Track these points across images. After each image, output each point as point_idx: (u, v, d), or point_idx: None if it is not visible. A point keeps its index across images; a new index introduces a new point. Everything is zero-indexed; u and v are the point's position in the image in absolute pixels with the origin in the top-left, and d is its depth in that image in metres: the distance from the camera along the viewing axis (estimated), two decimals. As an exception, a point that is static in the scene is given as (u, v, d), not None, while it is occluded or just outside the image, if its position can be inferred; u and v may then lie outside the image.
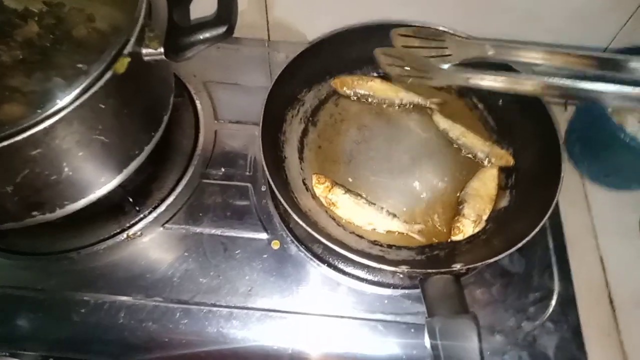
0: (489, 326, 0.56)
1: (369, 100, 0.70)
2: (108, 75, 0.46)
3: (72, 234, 0.59)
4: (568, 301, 0.58)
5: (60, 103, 0.43)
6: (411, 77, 0.62)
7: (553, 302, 0.58)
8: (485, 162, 0.65)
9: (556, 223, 0.64)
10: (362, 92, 0.69)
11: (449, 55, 0.63)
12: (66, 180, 0.50)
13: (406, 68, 0.62)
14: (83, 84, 0.44)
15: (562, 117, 0.83)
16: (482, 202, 0.61)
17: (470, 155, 0.66)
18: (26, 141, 0.42)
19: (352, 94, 0.70)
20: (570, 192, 0.74)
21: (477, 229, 0.59)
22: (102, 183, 0.54)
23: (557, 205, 0.63)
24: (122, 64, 0.47)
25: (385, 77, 0.71)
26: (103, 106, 0.47)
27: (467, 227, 0.58)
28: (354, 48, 0.70)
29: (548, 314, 0.57)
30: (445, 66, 0.62)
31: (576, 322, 0.57)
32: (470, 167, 0.66)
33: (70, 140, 0.47)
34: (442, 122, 0.68)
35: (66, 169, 0.49)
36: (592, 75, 0.58)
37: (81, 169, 0.51)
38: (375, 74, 0.73)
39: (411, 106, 0.70)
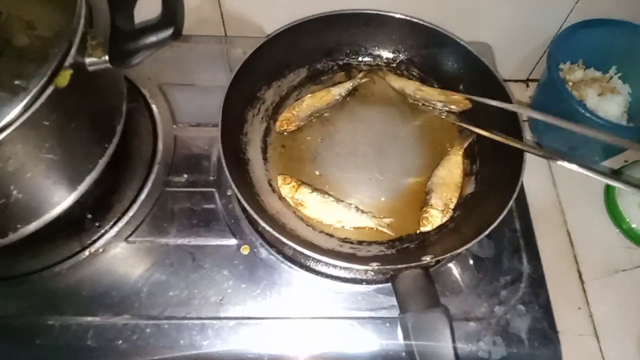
0: (463, 313, 0.57)
1: (317, 114, 0.67)
2: (49, 90, 0.43)
3: (30, 256, 0.57)
4: (537, 282, 0.59)
5: (-2, 125, 0.40)
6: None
7: (523, 284, 0.59)
8: (444, 112, 0.67)
9: (522, 204, 0.65)
10: (305, 114, 0.66)
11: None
12: (16, 203, 0.47)
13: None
14: (22, 103, 0.41)
15: (524, 95, 0.84)
16: (448, 190, 0.61)
17: (430, 107, 0.68)
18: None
19: (299, 122, 0.66)
20: (536, 169, 0.75)
21: (445, 219, 0.59)
22: (56, 202, 0.51)
23: (522, 186, 0.64)
24: (64, 77, 0.44)
25: (312, 86, 0.71)
26: (47, 123, 0.45)
27: (435, 218, 0.58)
28: (312, 40, 0.68)
29: (519, 297, 0.58)
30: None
31: (546, 302, 0.58)
32: (436, 155, 0.65)
33: (14, 163, 0.44)
34: (395, 82, 0.68)
35: (14, 192, 0.46)
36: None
37: (31, 191, 0.48)
38: (336, 65, 0.72)
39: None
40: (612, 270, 0.68)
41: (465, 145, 0.66)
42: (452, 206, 0.60)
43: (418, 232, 0.59)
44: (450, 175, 0.62)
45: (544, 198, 0.73)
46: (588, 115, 0.63)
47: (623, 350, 0.63)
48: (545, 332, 0.56)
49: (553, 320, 0.57)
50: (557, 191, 0.75)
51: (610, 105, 0.72)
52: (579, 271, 0.68)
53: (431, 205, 0.59)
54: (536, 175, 0.75)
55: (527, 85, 0.87)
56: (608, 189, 0.74)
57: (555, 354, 0.55)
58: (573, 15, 0.73)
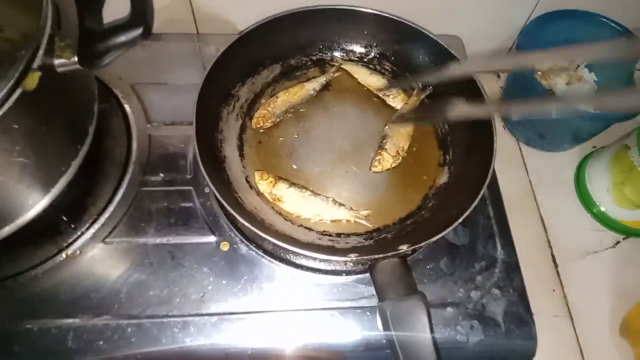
0: (440, 299, 0.58)
1: (292, 110, 0.68)
2: (17, 93, 0.42)
3: (4, 261, 0.56)
4: (512, 266, 0.61)
5: (-36, 129, 0.39)
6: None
7: (497, 270, 0.60)
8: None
9: (495, 192, 0.66)
10: (281, 110, 0.67)
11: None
12: (-13, 208, 0.47)
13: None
14: (-11, 106, 0.41)
15: (495, 85, 0.86)
16: (402, 138, 0.65)
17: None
18: None
19: (275, 119, 0.66)
20: (508, 158, 0.77)
21: (394, 164, 0.63)
22: (29, 206, 0.51)
23: (494, 175, 0.65)
24: (33, 80, 0.44)
25: (286, 82, 0.71)
26: (17, 126, 0.44)
27: (386, 161, 0.63)
28: (285, 36, 0.68)
29: (494, 281, 0.60)
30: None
31: (521, 286, 0.60)
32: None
33: (-16, 167, 0.43)
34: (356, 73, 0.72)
35: (-14, 197, 0.46)
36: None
37: (3, 195, 0.47)
38: (309, 61, 0.72)
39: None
40: (584, 252, 0.71)
41: (422, 97, 0.69)
42: (402, 154, 0.64)
43: (395, 222, 0.60)
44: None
45: (517, 185, 0.75)
46: (556, 102, 0.65)
47: (596, 330, 0.65)
48: (521, 314, 0.58)
49: (528, 303, 0.59)
50: (529, 178, 0.77)
51: (578, 93, 0.74)
52: (552, 255, 0.70)
53: (385, 150, 0.64)
54: (509, 163, 0.77)
55: (498, 76, 0.89)
56: (579, 175, 0.76)
57: (530, 335, 0.57)
58: (540, 6, 0.75)
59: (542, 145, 0.79)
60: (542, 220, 0.73)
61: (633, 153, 0.66)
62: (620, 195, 0.70)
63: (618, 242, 0.72)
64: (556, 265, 0.70)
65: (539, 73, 0.76)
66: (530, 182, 0.77)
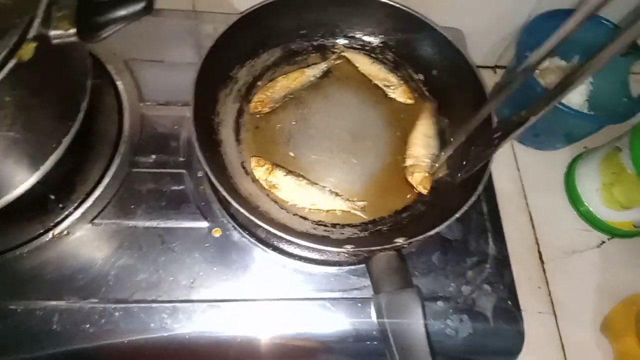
0: (431, 293, 0.58)
1: (291, 95, 0.66)
2: (11, 64, 0.40)
3: (-12, 238, 0.54)
4: (502, 262, 0.62)
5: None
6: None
7: (488, 265, 0.61)
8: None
9: (489, 188, 0.67)
10: (280, 95, 0.65)
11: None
12: (-27, 183, 0.45)
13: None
14: (-19, 76, 0.39)
15: (492, 80, 0.86)
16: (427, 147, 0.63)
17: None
18: None
19: (273, 104, 0.65)
20: (500, 155, 0.77)
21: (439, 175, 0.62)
22: (17, 183, 0.49)
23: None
24: (27, 50, 0.42)
25: (286, 66, 0.69)
26: (9, 98, 0.42)
27: (425, 182, 0.60)
28: (287, 18, 0.67)
29: (485, 277, 0.60)
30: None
31: (511, 282, 0.61)
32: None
33: (-28, 140, 0.41)
34: (356, 60, 0.70)
35: (-28, 171, 0.44)
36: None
37: (-10, 170, 0.46)
38: (311, 46, 0.71)
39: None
40: (570, 251, 0.72)
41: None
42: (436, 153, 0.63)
43: (390, 214, 0.60)
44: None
45: (508, 182, 0.76)
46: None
47: (578, 327, 0.67)
48: (510, 310, 0.59)
49: (517, 299, 0.60)
50: (520, 175, 0.78)
51: (573, 93, 0.75)
52: (539, 252, 0.72)
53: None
54: (501, 160, 0.77)
55: (495, 72, 0.89)
56: (569, 174, 0.77)
57: (518, 331, 0.57)
58: (542, 3, 0.75)
59: (534, 143, 0.79)
60: (531, 217, 0.74)
61: (624, 155, 0.67)
62: (609, 196, 0.71)
63: (603, 242, 0.74)
64: (542, 263, 0.71)
65: (538, 71, 0.77)
66: (521, 179, 0.78)
